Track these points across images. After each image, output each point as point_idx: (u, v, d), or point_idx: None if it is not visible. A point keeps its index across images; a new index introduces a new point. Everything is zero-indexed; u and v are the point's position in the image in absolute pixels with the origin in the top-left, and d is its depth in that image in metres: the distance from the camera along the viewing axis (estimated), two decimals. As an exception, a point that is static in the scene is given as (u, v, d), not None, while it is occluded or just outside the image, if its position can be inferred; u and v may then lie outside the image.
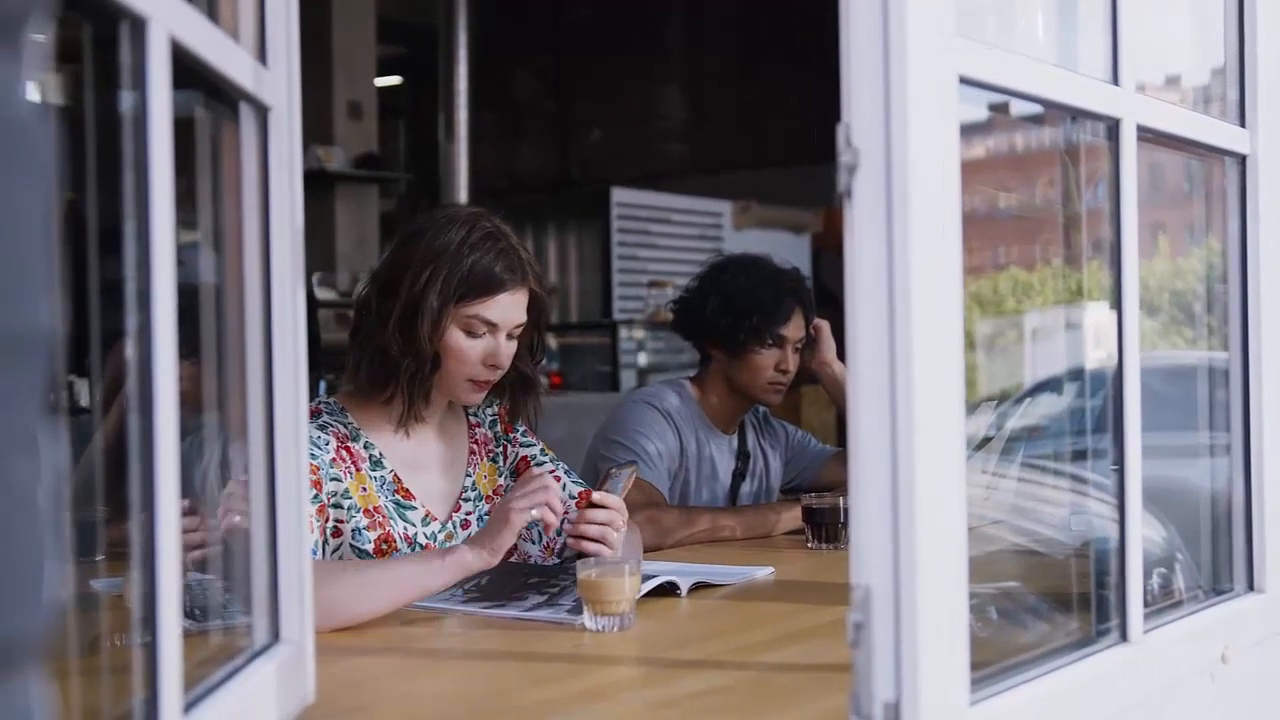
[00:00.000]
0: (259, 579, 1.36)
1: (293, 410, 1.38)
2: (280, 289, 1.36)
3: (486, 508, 2.33)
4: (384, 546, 2.16)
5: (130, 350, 1.01)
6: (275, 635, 1.36)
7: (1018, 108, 1.56)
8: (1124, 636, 1.50)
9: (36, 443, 0.58)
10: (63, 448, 0.61)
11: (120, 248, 1.02)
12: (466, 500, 2.32)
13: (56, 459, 0.59)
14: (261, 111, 1.34)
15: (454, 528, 2.28)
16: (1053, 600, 1.71)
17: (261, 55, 1.35)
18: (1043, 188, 2.12)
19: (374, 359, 2.19)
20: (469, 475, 2.34)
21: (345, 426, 2.20)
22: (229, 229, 1.36)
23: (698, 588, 2.17)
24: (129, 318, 1.02)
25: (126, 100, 1.02)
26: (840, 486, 2.96)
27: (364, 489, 2.17)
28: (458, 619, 1.98)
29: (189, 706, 1.08)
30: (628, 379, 7.48)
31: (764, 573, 2.34)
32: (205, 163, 1.34)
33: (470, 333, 2.19)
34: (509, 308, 2.20)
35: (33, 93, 0.59)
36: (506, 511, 1.98)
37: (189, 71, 1.12)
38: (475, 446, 2.37)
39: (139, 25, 0.99)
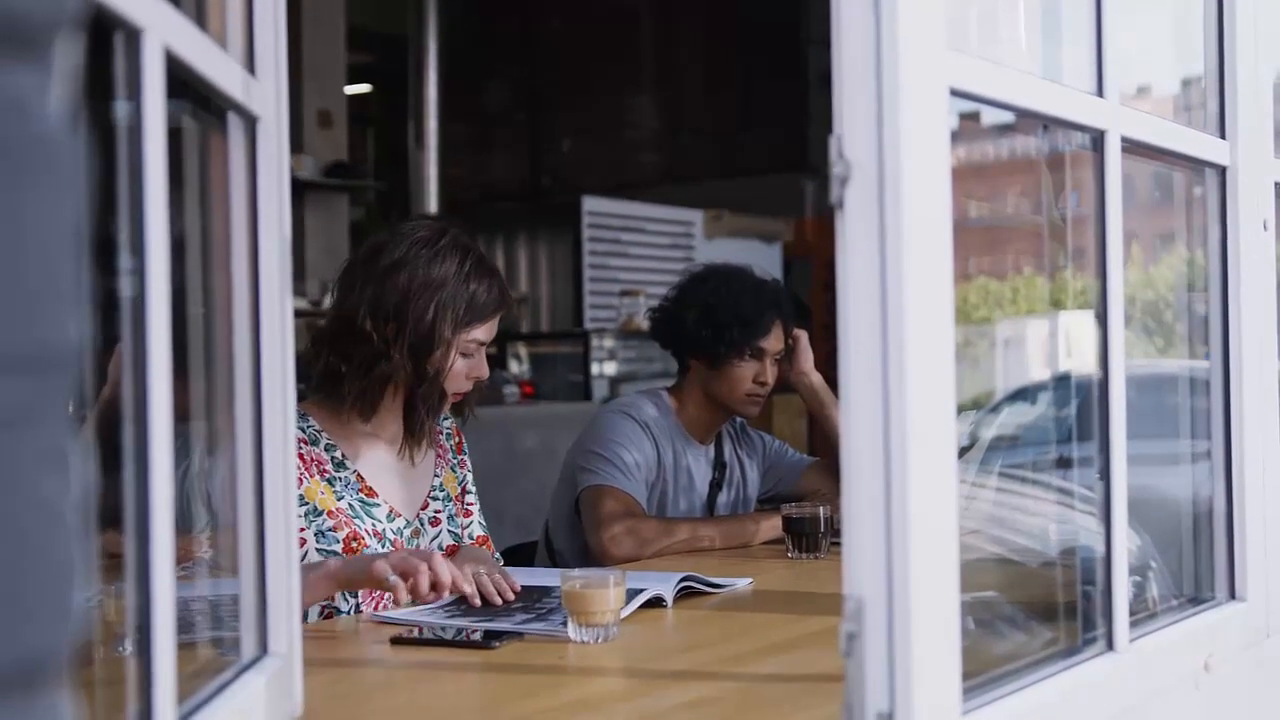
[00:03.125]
0: (247, 592, 1.35)
1: (281, 421, 1.37)
2: (269, 299, 1.36)
3: (454, 508, 2.43)
4: (353, 544, 2.22)
5: (124, 360, 1.00)
6: (263, 648, 1.35)
7: (989, 117, 1.57)
8: (1110, 645, 1.51)
9: (66, 457, 0.57)
10: (89, 462, 0.60)
11: (112, 257, 1.01)
12: (435, 499, 2.41)
13: (83, 473, 0.59)
14: (250, 121, 1.34)
15: (422, 524, 2.36)
16: (1037, 610, 1.72)
17: (250, 65, 1.34)
18: (1014, 197, 2.13)
19: (376, 384, 2.25)
20: (437, 475, 2.42)
21: (304, 430, 2.23)
22: (216, 238, 1.35)
23: (684, 595, 2.17)
24: (113, 326, 1.01)
25: (120, 109, 1.01)
26: (818, 496, 2.96)
27: (321, 493, 2.23)
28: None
29: (182, 721, 1.07)
30: (600, 388, 7.47)
31: (744, 583, 2.34)
32: (191, 172, 1.33)
33: (465, 354, 2.30)
34: (495, 327, 2.34)
35: (62, 106, 0.59)
36: (375, 565, 1.94)
37: (178, 80, 1.11)
38: (440, 450, 2.46)
39: (134, 36, 0.99)
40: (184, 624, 1.39)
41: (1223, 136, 1.81)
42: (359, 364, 2.23)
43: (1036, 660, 1.45)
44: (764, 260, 7.54)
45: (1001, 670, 1.37)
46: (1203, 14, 1.83)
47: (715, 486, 3.12)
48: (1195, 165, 1.82)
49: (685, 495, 3.04)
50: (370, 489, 2.29)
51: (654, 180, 9.58)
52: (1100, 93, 1.52)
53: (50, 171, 0.57)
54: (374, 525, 2.26)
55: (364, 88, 10.41)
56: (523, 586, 2.21)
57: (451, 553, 2.39)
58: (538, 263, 8.80)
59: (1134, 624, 1.55)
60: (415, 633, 1.91)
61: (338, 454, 2.28)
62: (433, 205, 8.64)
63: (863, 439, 1.17)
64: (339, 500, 2.23)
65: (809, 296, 7.70)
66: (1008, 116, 1.57)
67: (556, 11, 10.10)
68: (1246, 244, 1.82)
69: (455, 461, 2.49)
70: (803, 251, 8.52)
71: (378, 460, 2.33)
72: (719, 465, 3.13)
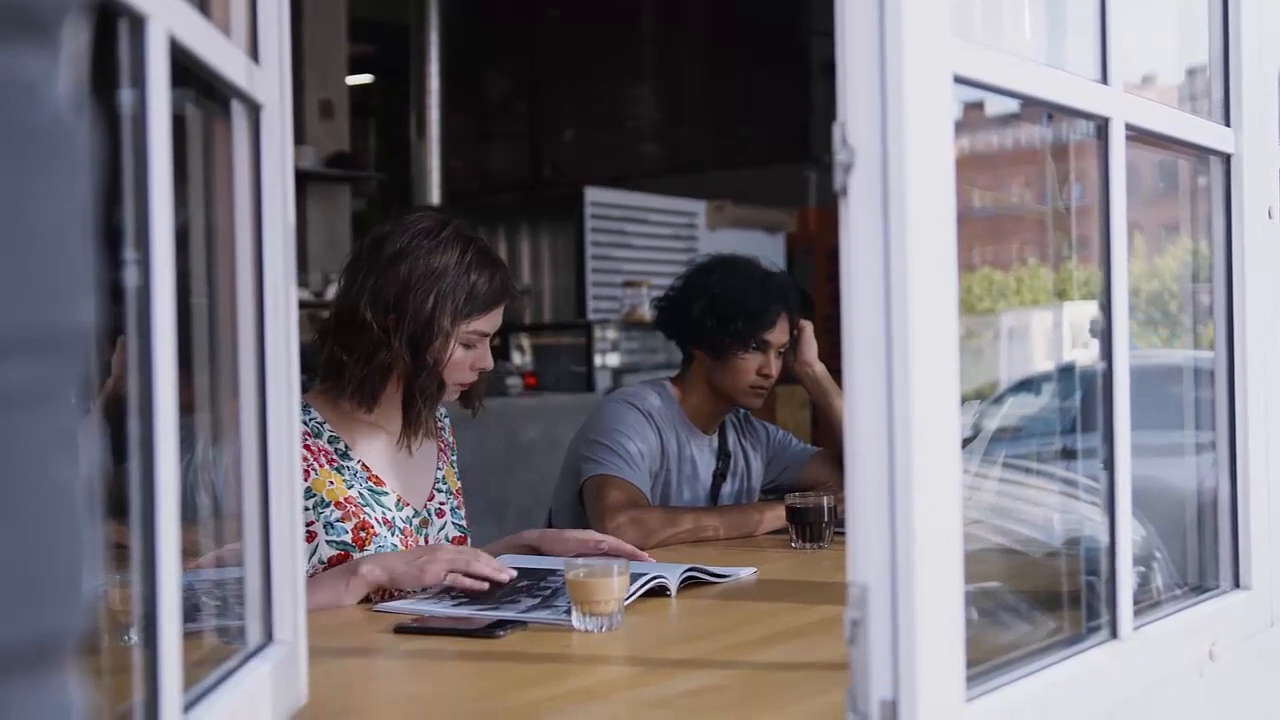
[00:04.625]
0: (252, 579, 1.35)
1: (285, 410, 1.37)
2: (273, 288, 1.36)
3: (456, 502, 2.46)
4: (361, 534, 2.24)
5: (130, 350, 1.00)
6: (269, 636, 1.35)
7: (993, 107, 1.57)
8: (1114, 633, 1.51)
9: (75, 440, 0.58)
10: (99, 444, 0.61)
11: (117, 246, 1.01)
12: (440, 491, 2.43)
13: (94, 455, 0.59)
14: (254, 109, 1.34)
15: (429, 514, 2.38)
16: (1041, 598, 1.72)
17: (254, 53, 1.34)
18: (1018, 187, 2.13)
19: (377, 374, 2.26)
20: (439, 469, 2.44)
21: (306, 424, 2.24)
22: (220, 227, 1.35)
23: (687, 585, 2.17)
24: (117, 316, 1.01)
25: (125, 97, 1.01)
26: (821, 486, 2.97)
27: (331, 483, 2.24)
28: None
29: (188, 707, 1.07)
30: (602, 380, 7.47)
31: (748, 573, 2.34)
32: (195, 161, 1.33)
33: (466, 345, 2.30)
34: (499, 318, 2.34)
35: (71, 89, 0.59)
36: (426, 568, 2.07)
37: (182, 69, 1.11)
38: (442, 445, 2.47)
39: (138, 22, 0.99)
40: (190, 611, 1.39)
41: (1228, 124, 1.81)
42: (360, 354, 2.24)
43: (1040, 648, 1.45)
44: (767, 251, 7.53)
45: (1005, 658, 1.37)
46: (1208, 1, 1.83)
47: (720, 477, 3.12)
48: (1200, 153, 1.82)
49: (689, 485, 3.04)
50: (377, 478, 2.31)
51: (656, 171, 9.58)
52: (1104, 80, 1.51)
53: (60, 155, 0.57)
54: (384, 513, 2.27)
55: (365, 78, 10.41)
56: (525, 569, 2.22)
57: (459, 544, 2.41)
58: (540, 254, 8.80)
59: (1138, 612, 1.55)
60: (420, 622, 1.92)
61: (341, 445, 2.29)
62: (434, 196, 8.64)
63: (867, 425, 1.17)
64: (349, 489, 2.24)
65: (812, 287, 7.70)
66: (1012, 106, 1.57)
67: (557, 2, 10.09)
68: (1251, 232, 1.82)
69: (453, 459, 2.52)
70: (806, 242, 8.52)
71: (381, 451, 2.34)
72: (723, 455, 3.13)
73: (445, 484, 2.44)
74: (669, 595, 2.11)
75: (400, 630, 1.88)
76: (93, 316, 0.60)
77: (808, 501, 2.67)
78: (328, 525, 2.21)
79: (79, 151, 0.59)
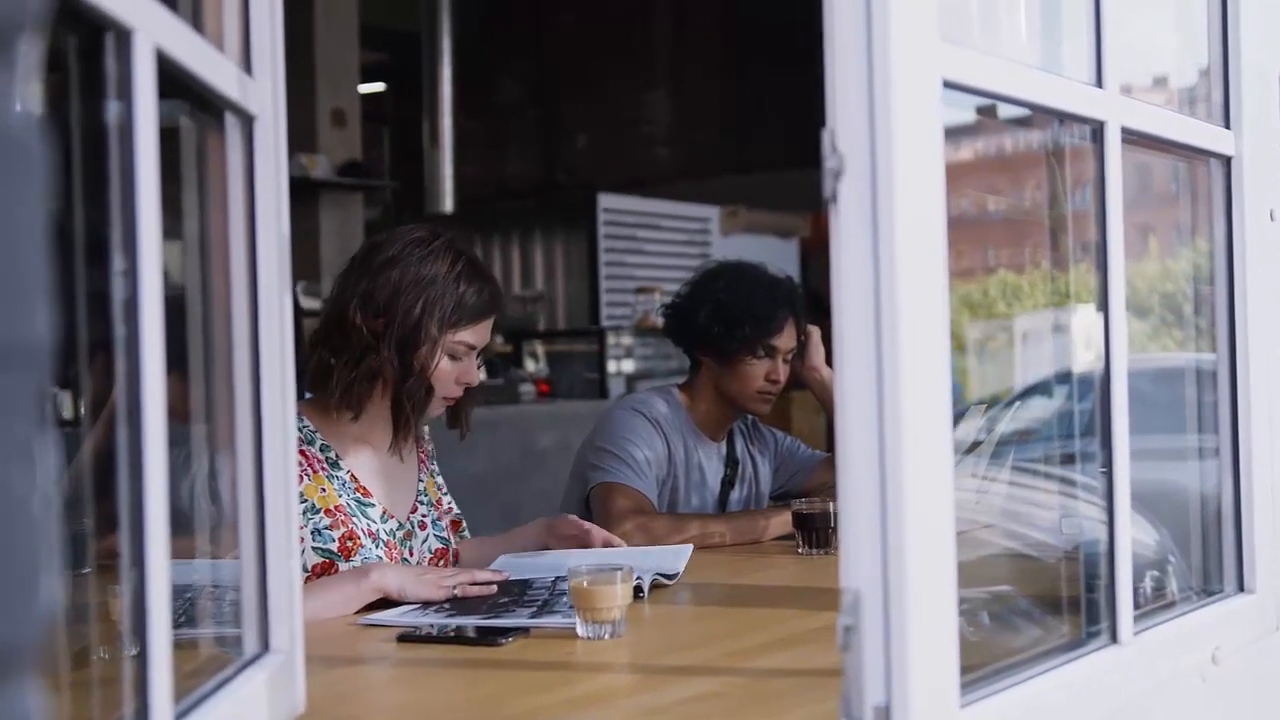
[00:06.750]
0: (248, 589, 1.35)
1: (281, 420, 1.38)
2: (267, 298, 1.36)
3: (436, 514, 2.47)
4: (348, 544, 2.25)
5: (118, 362, 1.01)
6: (265, 645, 1.36)
7: (1005, 111, 1.56)
8: (1114, 638, 1.50)
9: (33, 451, 0.58)
10: (57, 457, 0.61)
11: (105, 258, 1.02)
12: (422, 503, 2.44)
13: (52, 467, 0.60)
14: (247, 121, 1.34)
15: (412, 526, 2.40)
16: (1044, 603, 1.71)
17: (246, 65, 1.35)
18: (1031, 190, 2.12)
19: (364, 379, 2.27)
20: (420, 481, 2.46)
21: (300, 430, 2.26)
22: (214, 239, 1.36)
23: (654, 587, 2.21)
24: (116, 329, 1.01)
25: (111, 110, 1.02)
26: (830, 491, 2.96)
27: (323, 490, 2.26)
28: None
29: (181, 716, 1.07)
30: (616, 386, 7.47)
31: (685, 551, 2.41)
32: (190, 172, 1.33)
33: (453, 357, 2.31)
34: (487, 332, 2.36)
35: (27, 103, 0.59)
36: (435, 583, 2.11)
37: (173, 80, 1.12)
38: (423, 456, 2.49)
39: (124, 36, 0.99)
40: (192, 619, 1.39)
41: (1228, 126, 1.80)
42: (347, 357, 2.26)
43: (1038, 653, 1.44)
44: (781, 256, 7.53)
45: (1002, 663, 1.37)
46: (1207, 4, 1.83)
47: (728, 483, 3.12)
48: (1200, 156, 1.81)
49: (697, 492, 3.04)
50: (364, 489, 2.32)
51: (669, 176, 9.57)
52: (1099, 83, 1.51)
53: (16, 169, 0.57)
54: (369, 525, 2.29)
55: (377, 86, 10.42)
56: (506, 581, 2.21)
57: (440, 556, 2.44)
58: (553, 260, 8.80)
59: (1140, 617, 1.54)
60: (423, 630, 1.91)
61: (332, 454, 2.31)
62: (448, 203, 8.65)
63: (858, 431, 1.17)
64: (339, 497, 2.26)
65: (826, 292, 7.67)
66: (1025, 109, 1.56)
67: (569, 7, 10.09)
68: (1253, 234, 1.81)
69: (433, 469, 2.54)
70: (820, 246, 8.49)
71: (367, 462, 2.36)
72: (732, 462, 3.13)
73: (426, 495, 2.46)
74: (642, 598, 2.11)
75: (404, 639, 1.88)
76: (51, 329, 0.61)
77: (814, 507, 2.67)
78: (316, 532, 2.22)
79: (35, 164, 0.59)
